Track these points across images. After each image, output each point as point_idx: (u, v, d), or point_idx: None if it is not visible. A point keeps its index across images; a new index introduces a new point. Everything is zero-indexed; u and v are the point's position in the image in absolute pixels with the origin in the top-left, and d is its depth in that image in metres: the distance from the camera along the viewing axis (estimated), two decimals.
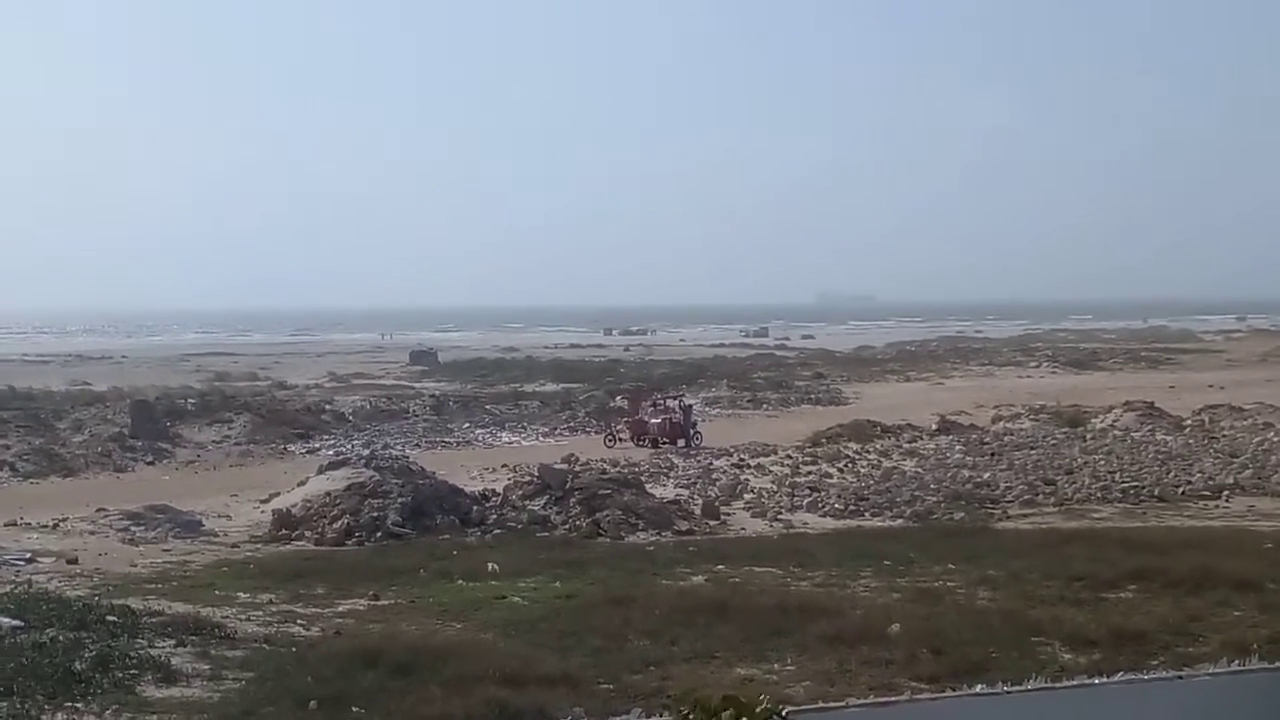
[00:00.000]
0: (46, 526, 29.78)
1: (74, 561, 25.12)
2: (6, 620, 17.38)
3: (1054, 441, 43.95)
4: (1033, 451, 41.29)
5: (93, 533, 29.13)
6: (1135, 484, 34.66)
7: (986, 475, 36.52)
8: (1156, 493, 33.71)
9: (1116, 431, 46.37)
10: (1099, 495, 33.68)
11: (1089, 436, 45.39)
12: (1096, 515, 31.24)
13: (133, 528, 29.34)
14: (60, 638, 16.51)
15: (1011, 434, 47.10)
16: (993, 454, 40.92)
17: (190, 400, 55.60)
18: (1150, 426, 47.11)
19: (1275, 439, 42.64)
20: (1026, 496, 33.57)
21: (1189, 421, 48.59)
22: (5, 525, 29.61)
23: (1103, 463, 38.35)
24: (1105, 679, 15.08)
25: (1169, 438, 44.27)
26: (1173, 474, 36.21)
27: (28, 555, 25.76)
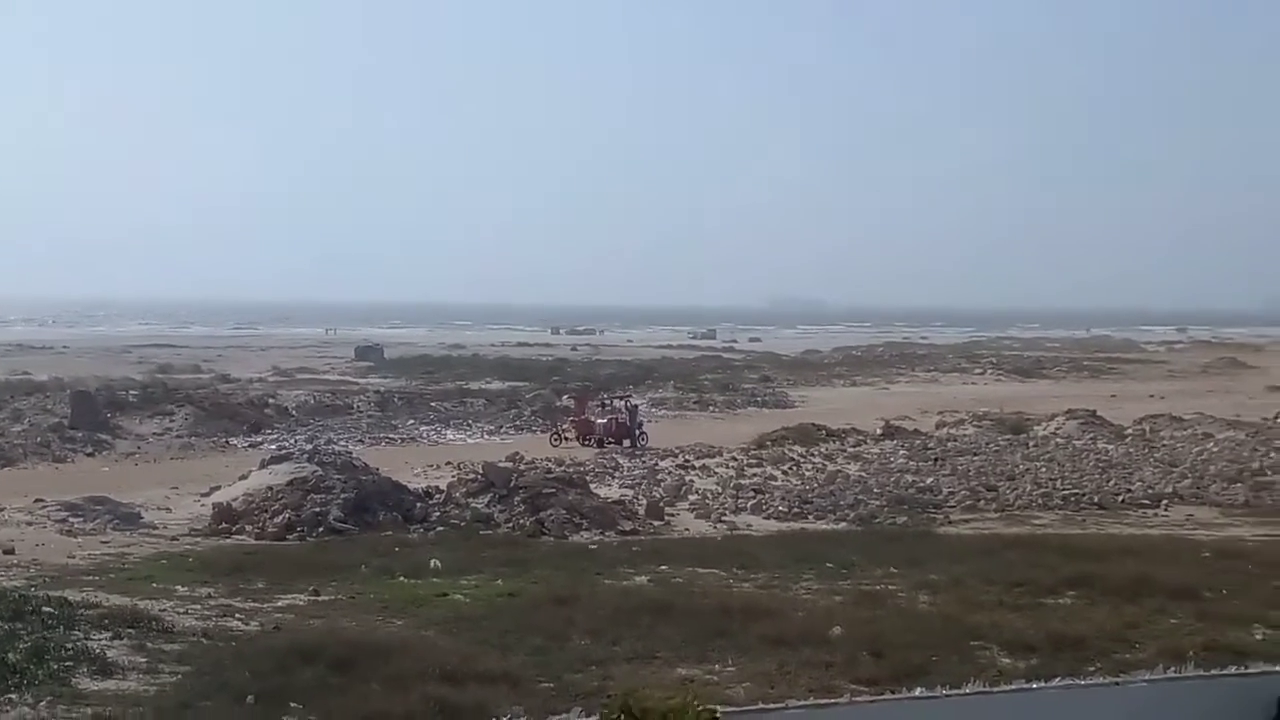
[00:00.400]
0: None
1: (10, 552, 24.84)
2: None
3: (997, 448, 44.28)
4: (976, 457, 41.57)
5: (30, 523, 28.79)
6: (1076, 491, 34.97)
7: (930, 480, 36.73)
8: (1097, 500, 34.01)
9: (1059, 439, 46.73)
10: (1040, 502, 33.96)
11: (1031, 443, 45.73)
12: (1037, 521, 31.48)
13: (71, 519, 29.02)
14: None
15: (955, 440, 47.37)
16: (936, 459, 41.16)
17: (132, 392, 55.04)
18: (1092, 435, 47.51)
19: (1214, 449, 43.11)
20: (969, 502, 33.80)
21: (1130, 430, 49.03)
22: None
23: (1044, 470, 38.67)
24: (1043, 684, 15.16)
25: (1110, 446, 44.68)
26: (1113, 482, 36.55)
27: None
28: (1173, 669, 15.41)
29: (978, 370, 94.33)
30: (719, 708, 8.11)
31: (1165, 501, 34.13)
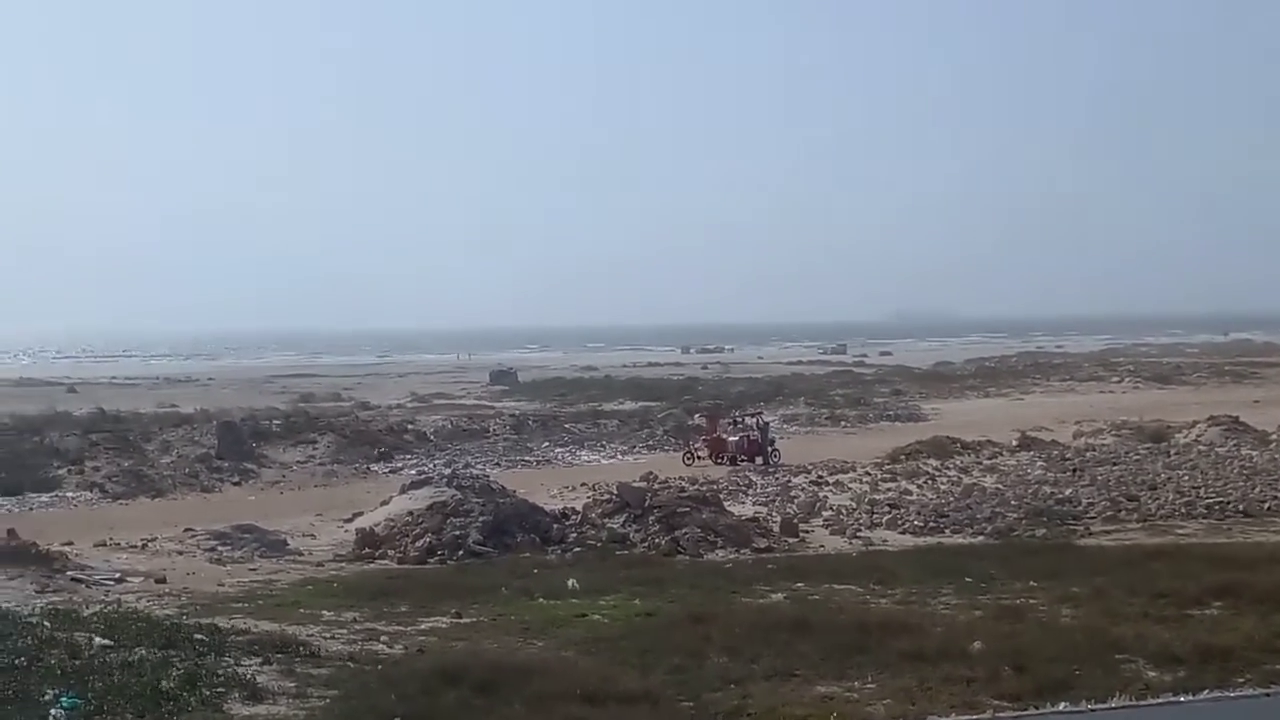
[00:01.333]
0: (135, 546, 30.28)
1: (162, 581, 25.55)
2: (97, 639, 17.71)
3: (1137, 457, 43.47)
4: (1115, 467, 40.85)
5: (180, 553, 29.60)
6: (1220, 499, 34.21)
7: (1068, 491, 36.19)
8: (1242, 508, 33.26)
9: (1201, 446, 45.79)
10: (1183, 511, 33.29)
11: (1173, 452, 44.86)
12: (1181, 531, 30.88)
13: (219, 547, 29.78)
14: (148, 656, 16.75)
15: (1093, 449, 46.65)
16: (1074, 470, 40.54)
17: (275, 421, 56.19)
18: (1235, 441, 46.50)
19: None
20: (1109, 513, 33.23)
21: (1275, 436, 47.87)
22: (95, 545, 30.11)
23: (1187, 478, 37.87)
24: (1191, 696, 15.03)
25: (1254, 453, 43.66)
26: (1258, 489, 35.69)
27: (117, 575, 26.24)
28: None
29: (1115, 378, 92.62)
30: None
31: None
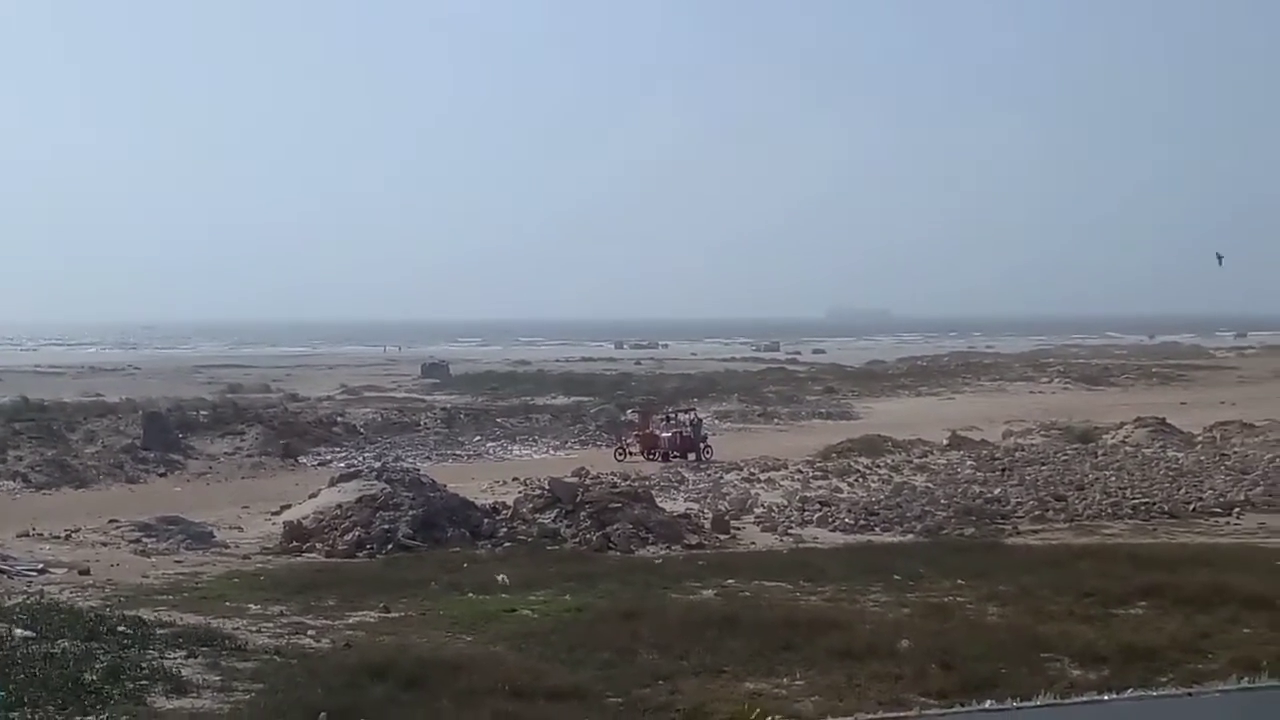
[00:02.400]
0: (59, 537, 29.90)
1: (86, 572, 25.22)
2: (19, 631, 17.44)
3: (1065, 457, 43.93)
4: (1044, 467, 41.26)
5: (105, 544, 29.23)
6: (1146, 500, 34.66)
7: (997, 491, 36.52)
8: (1168, 509, 33.72)
9: (1128, 448, 46.34)
10: (1110, 511, 33.69)
11: (1100, 452, 45.36)
12: (1107, 531, 31.25)
13: (144, 539, 29.44)
14: (71, 648, 16.52)
15: (1022, 449, 47.10)
16: (1003, 469, 40.92)
17: (202, 412, 55.71)
18: (1162, 443, 47.09)
19: None
20: (1037, 512, 33.58)
21: (1200, 438, 48.56)
22: (18, 536, 29.71)
23: (1114, 479, 38.32)
24: (1115, 695, 15.18)
25: (1180, 454, 44.23)
26: (1184, 490, 36.19)
27: (40, 566, 25.86)
28: (1246, 679, 15.32)
29: (1045, 379, 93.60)
30: None
31: (1237, 509, 33.81)
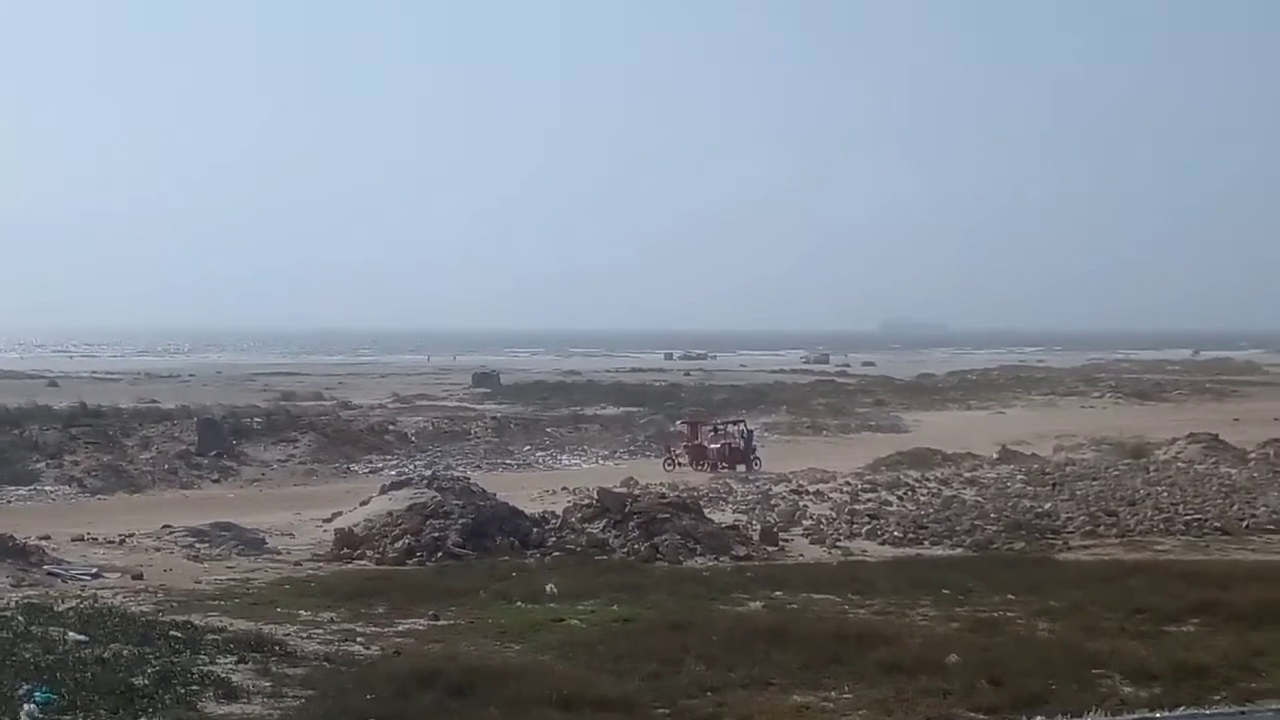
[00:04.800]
0: (113, 542, 30.17)
1: (139, 577, 25.45)
2: (72, 634, 17.65)
3: (1116, 472, 43.55)
4: (1095, 482, 40.92)
5: (158, 549, 29.49)
6: (1199, 516, 34.29)
7: (1048, 505, 36.24)
8: (1220, 525, 33.34)
9: (1180, 463, 45.92)
10: (1162, 527, 33.35)
11: (1152, 468, 44.97)
12: (1159, 547, 30.96)
13: (197, 544, 29.68)
14: (124, 653, 16.72)
15: (1073, 464, 46.78)
16: (1054, 484, 40.59)
17: (256, 419, 56.14)
18: (1214, 459, 46.63)
19: None
20: (1088, 527, 33.30)
21: (1254, 454, 48.02)
22: (72, 540, 30.01)
23: (1166, 495, 37.95)
24: (1167, 713, 15.09)
25: (1233, 470, 43.79)
26: (1236, 507, 35.79)
27: (94, 570, 26.13)
28: None
29: (1096, 394, 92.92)
30: None
31: None
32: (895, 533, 32.55)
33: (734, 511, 36.02)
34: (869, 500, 37.88)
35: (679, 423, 61.01)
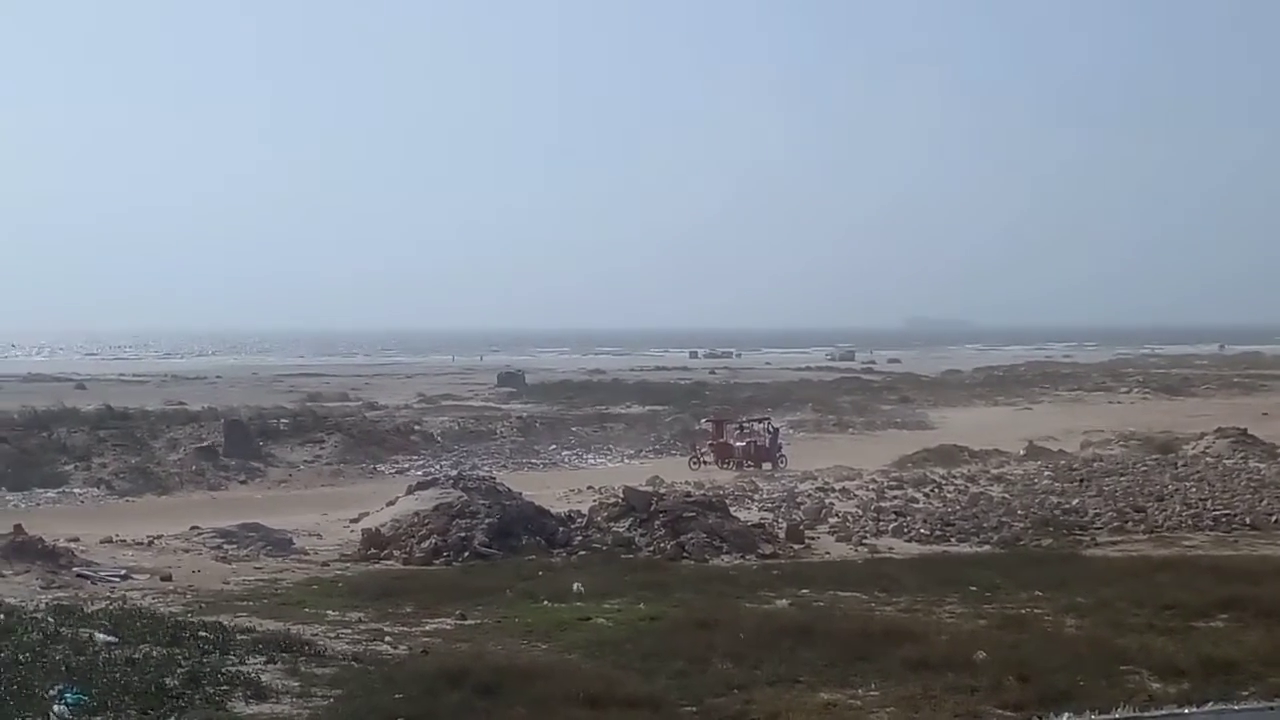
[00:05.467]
0: (141, 543, 30.30)
1: (168, 578, 25.58)
2: (101, 636, 17.75)
3: (1144, 468, 43.36)
4: (1122, 478, 40.76)
5: (186, 550, 29.63)
6: (1227, 512, 34.13)
7: (1075, 501, 36.12)
8: (1249, 521, 33.18)
9: (1209, 458, 45.67)
10: (1190, 523, 33.21)
11: (1180, 463, 44.74)
12: (1188, 543, 30.81)
13: (225, 545, 29.82)
14: (153, 654, 16.78)
15: (1101, 460, 46.55)
16: (1081, 480, 40.45)
17: (283, 420, 56.36)
18: (1243, 454, 46.36)
19: None
20: (1116, 523, 33.17)
21: None
22: (101, 542, 30.15)
23: (1194, 490, 37.78)
24: (1195, 708, 15.02)
25: (1262, 465, 43.58)
26: (1266, 502, 35.59)
27: (122, 571, 26.27)
28: None
29: (1123, 389, 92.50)
30: None
31: None
32: (922, 530, 32.49)
33: (760, 509, 36.02)
34: (895, 497, 37.84)
35: (704, 421, 61.03)
